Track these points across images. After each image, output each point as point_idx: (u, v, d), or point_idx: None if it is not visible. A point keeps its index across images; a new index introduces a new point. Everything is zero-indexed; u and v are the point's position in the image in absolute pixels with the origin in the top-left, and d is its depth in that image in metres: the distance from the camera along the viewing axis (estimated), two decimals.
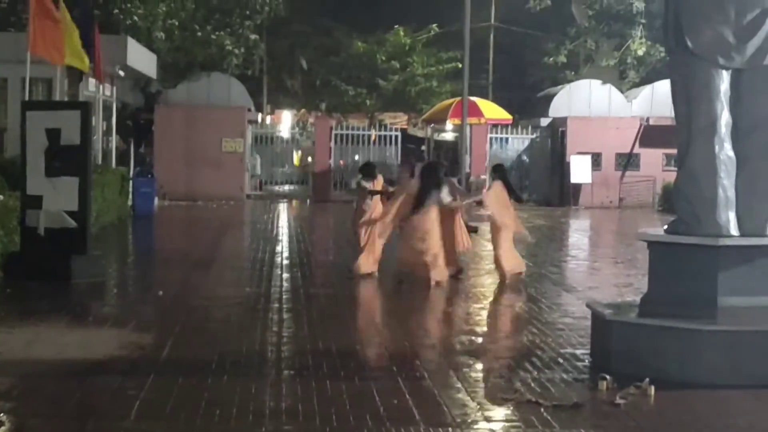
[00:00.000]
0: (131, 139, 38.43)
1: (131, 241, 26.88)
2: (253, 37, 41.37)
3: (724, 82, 11.40)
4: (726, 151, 11.35)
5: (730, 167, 11.38)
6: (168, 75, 41.32)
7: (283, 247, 23.89)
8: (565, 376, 11.14)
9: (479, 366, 11.71)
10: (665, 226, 12.04)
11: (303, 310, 15.24)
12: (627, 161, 40.35)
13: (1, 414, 8.90)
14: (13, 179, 19.18)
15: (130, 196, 31.29)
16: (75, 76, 28.10)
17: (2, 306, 15.04)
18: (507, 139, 44.09)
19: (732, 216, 11.37)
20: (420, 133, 49.27)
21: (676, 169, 12.02)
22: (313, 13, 53.80)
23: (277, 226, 29.78)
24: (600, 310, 12.01)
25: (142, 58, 33.25)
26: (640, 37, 45.91)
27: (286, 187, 45.82)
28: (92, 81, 29.50)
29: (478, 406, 9.84)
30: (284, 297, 16.45)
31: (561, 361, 11.86)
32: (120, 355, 11.71)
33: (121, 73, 32.57)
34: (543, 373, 11.21)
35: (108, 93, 33.28)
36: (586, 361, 11.86)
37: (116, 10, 33.86)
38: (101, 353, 11.76)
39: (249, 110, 42.13)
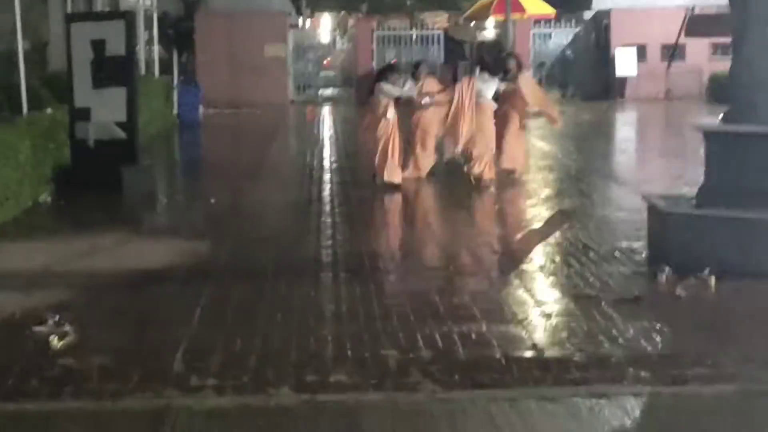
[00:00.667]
0: (173, 48, 38.28)
1: (179, 151, 26.88)
2: None
3: None
4: None
5: None
6: None
7: (329, 151, 23.79)
8: (623, 269, 11.10)
9: (536, 262, 11.66)
10: (721, 115, 11.85)
11: (355, 213, 15.23)
12: (673, 52, 39.75)
13: (65, 324, 8.95)
14: (58, 92, 19.15)
15: (175, 105, 31.23)
16: None
17: (57, 219, 15.13)
18: (550, 34, 43.56)
19: None
20: (462, 34, 48.73)
21: (722, 58, 11.81)
22: None
23: (322, 130, 29.68)
24: (656, 203, 11.90)
25: None
26: None
27: (329, 91, 45.62)
28: None
29: (537, 303, 9.82)
30: (336, 201, 16.41)
31: (618, 255, 11.81)
32: (177, 264, 11.75)
33: None
34: (601, 268, 11.18)
35: (148, 2, 33.10)
36: (644, 254, 11.79)
37: None
38: (158, 263, 11.81)
39: (289, 15, 41.81)
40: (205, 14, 40.05)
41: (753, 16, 11.10)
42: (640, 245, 12.14)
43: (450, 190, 17.35)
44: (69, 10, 21.44)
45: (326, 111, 37.07)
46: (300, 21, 46.89)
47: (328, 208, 15.66)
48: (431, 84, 18.34)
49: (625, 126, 31.65)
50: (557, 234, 13.35)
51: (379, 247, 12.71)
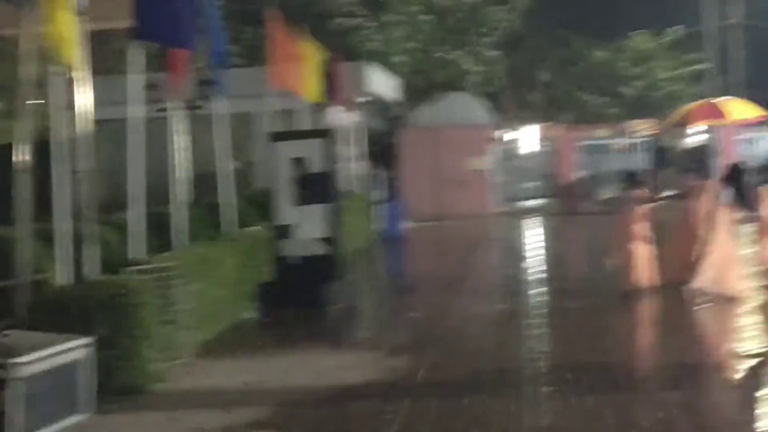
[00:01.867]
0: (377, 163, 38.80)
1: (382, 265, 27.00)
2: (493, 53, 41.26)
3: None
4: None
5: None
6: (409, 97, 41.60)
7: (534, 262, 23.56)
8: None
9: (747, 374, 11.20)
10: None
11: (558, 325, 14.95)
12: None
13: None
14: (262, 210, 19.51)
15: (379, 219, 31.51)
16: (320, 105, 28.53)
17: (260, 334, 15.28)
18: (756, 138, 42.60)
19: None
20: (668, 139, 48.09)
21: None
22: (551, 25, 53.32)
23: (525, 242, 29.47)
24: None
25: (385, 83, 33.55)
26: None
27: (532, 202, 45.45)
28: (337, 108, 29.86)
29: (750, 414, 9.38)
30: (537, 312, 16.16)
31: None
32: (376, 379, 11.69)
33: (366, 99, 32.88)
34: None
35: (356, 119, 33.69)
36: None
37: (358, 39, 34.26)
38: (358, 378, 11.77)
39: (492, 128, 42.02)
40: (407, 128, 40.58)
41: None
42: None
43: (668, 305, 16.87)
44: (271, 128, 21.92)
45: (529, 222, 36.86)
46: (503, 133, 47.02)
47: (531, 321, 15.40)
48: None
49: None
50: None
51: (582, 358, 12.38)
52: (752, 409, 9.61)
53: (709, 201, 17.00)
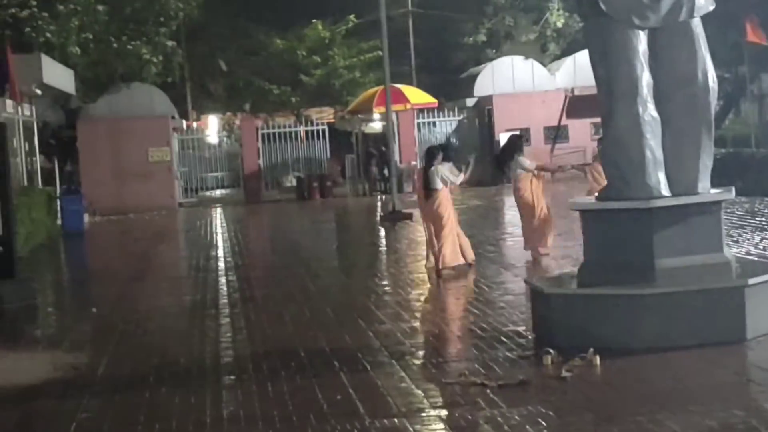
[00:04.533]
0: (55, 157, 37.89)
1: (62, 261, 26.42)
2: (170, 44, 40.87)
3: (641, 42, 11.25)
4: (649, 111, 11.21)
5: (655, 128, 11.25)
6: (89, 89, 40.74)
7: (218, 252, 23.56)
8: (509, 354, 10.98)
9: (422, 353, 11.52)
10: (596, 194, 11.90)
11: (240, 313, 14.99)
12: (556, 134, 40.24)
13: None
14: None
15: (59, 215, 30.76)
16: None
17: None
18: (434, 123, 43.98)
19: (662, 176, 11.24)
20: (348, 126, 48.93)
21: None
22: (230, 15, 53.26)
23: (211, 232, 29.42)
24: (538, 285, 11.87)
25: (59, 75, 32.72)
26: (558, 9, 45.97)
27: (218, 192, 45.45)
28: (9, 102, 28.96)
29: (423, 394, 9.65)
30: (221, 302, 16.17)
31: (504, 339, 11.70)
32: (54, 378, 11.42)
33: (39, 91, 32.00)
34: (487, 354, 11.05)
35: (27, 113, 32.75)
36: (530, 337, 11.71)
37: (28, 29, 33.22)
38: (35, 377, 11.47)
39: (173, 118, 41.72)
40: (86, 121, 39.78)
41: (618, 94, 11.19)
42: (525, 328, 12.07)
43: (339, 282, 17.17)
44: None
45: (215, 213, 36.80)
46: (184, 124, 46.77)
47: (212, 311, 15.39)
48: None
49: (513, 209, 31.69)
50: (443, 322, 13.25)
51: (263, 346, 12.44)
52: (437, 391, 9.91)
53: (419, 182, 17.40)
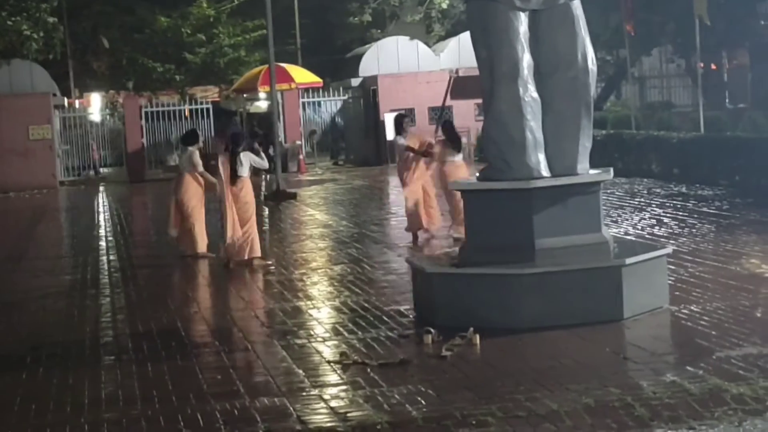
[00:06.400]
0: None
1: None
2: (51, 20, 40.16)
3: (522, 24, 11.34)
4: (530, 93, 11.32)
5: (536, 109, 11.36)
6: None
7: (100, 232, 23.27)
8: (390, 333, 11.03)
9: (303, 332, 11.50)
10: (477, 174, 11.99)
11: (121, 293, 14.85)
12: (440, 114, 40.43)
13: None
14: None
15: None
16: None
17: None
18: (319, 102, 43.94)
19: (542, 157, 11.36)
20: (233, 105, 48.59)
21: None
22: None
23: (94, 211, 29.05)
24: (419, 264, 11.93)
25: None
26: None
27: (99, 170, 44.85)
28: None
29: (304, 374, 9.65)
30: (101, 282, 16.01)
31: (386, 319, 11.75)
32: None
33: None
34: (368, 333, 11.09)
35: None
36: (411, 316, 11.77)
37: None
38: None
39: (54, 95, 41.07)
40: None
41: (500, 75, 11.27)
42: (407, 308, 12.13)
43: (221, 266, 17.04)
44: None
45: (99, 191, 36.35)
46: (66, 101, 46.03)
47: (93, 291, 15.23)
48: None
49: (397, 189, 31.77)
50: (325, 301, 13.27)
51: (144, 326, 12.34)
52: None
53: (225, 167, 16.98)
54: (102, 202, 32.01)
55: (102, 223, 25.43)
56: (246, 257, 16.45)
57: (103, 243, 20.93)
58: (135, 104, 42.80)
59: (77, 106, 50.71)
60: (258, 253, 16.58)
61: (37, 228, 25.65)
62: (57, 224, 27.82)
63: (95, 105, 55.33)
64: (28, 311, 14.10)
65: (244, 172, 16.73)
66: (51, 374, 10.19)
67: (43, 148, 39.27)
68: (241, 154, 16.70)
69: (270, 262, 16.65)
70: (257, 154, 17.42)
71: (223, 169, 16.65)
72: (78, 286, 15.88)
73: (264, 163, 17.56)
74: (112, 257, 18.76)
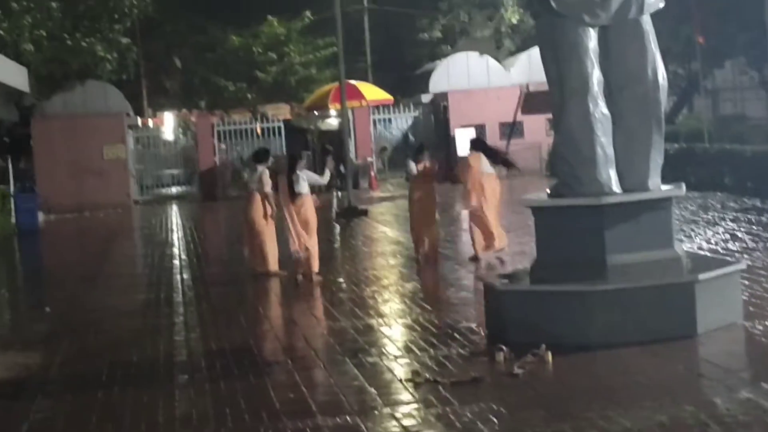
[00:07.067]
0: (9, 155, 37.62)
1: (16, 259, 26.27)
2: (124, 41, 40.68)
3: (591, 40, 11.32)
4: (600, 109, 11.29)
5: (606, 125, 11.32)
6: (44, 87, 40.43)
7: (172, 251, 23.48)
8: (462, 351, 11.02)
9: (374, 350, 11.52)
10: (547, 190, 11.96)
11: (196, 312, 14.96)
12: (511, 130, 40.37)
13: None
14: None
15: (13, 213, 30.57)
16: None
17: None
18: (390, 119, 44.06)
19: (613, 173, 11.32)
20: (304, 123, 48.84)
21: None
22: (186, 11, 53.10)
23: (167, 230, 29.31)
24: (491, 281, 11.92)
25: (12, 72, 32.44)
26: (513, 5, 46.01)
27: (174, 189, 45.26)
28: None
29: (376, 392, 9.67)
30: (175, 300, 16.14)
31: (458, 336, 11.74)
32: (5, 378, 11.37)
33: None
34: (440, 351, 11.09)
35: None
36: (483, 334, 11.75)
37: None
38: None
39: (128, 115, 41.51)
40: (41, 118, 39.56)
41: (570, 91, 11.25)
42: (479, 325, 12.10)
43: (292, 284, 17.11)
44: None
45: (170, 210, 36.66)
46: (140, 121, 46.53)
47: (167, 309, 15.35)
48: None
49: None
50: (397, 319, 13.28)
51: (218, 345, 12.43)
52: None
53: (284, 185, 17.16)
54: (175, 220, 32.28)
55: (175, 241, 25.65)
56: (309, 270, 16.63)
57: (176, 261, 21.12)
58: (207, 123, 43.14)
59: (150, 125, 51.26)
60: (316, 269, 16.73)
61: (112, 247, 25.92)
62: (131, 243, 28.12)
63: (168, 124, 55.86)
64: (104, 330, 14.24)
65: (304, 189, 16.88)
66: (126, 393, 10.28)
67: (117, 167, 39.71)
68: (299, 172, 16.88)
69: (320, 278, 16.83)
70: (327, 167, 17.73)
71: (281, 186, 16.91)
72: (152, 304, 16.04)
73: (321, 180, 17.68)
74: (185, 275, 18.92)
